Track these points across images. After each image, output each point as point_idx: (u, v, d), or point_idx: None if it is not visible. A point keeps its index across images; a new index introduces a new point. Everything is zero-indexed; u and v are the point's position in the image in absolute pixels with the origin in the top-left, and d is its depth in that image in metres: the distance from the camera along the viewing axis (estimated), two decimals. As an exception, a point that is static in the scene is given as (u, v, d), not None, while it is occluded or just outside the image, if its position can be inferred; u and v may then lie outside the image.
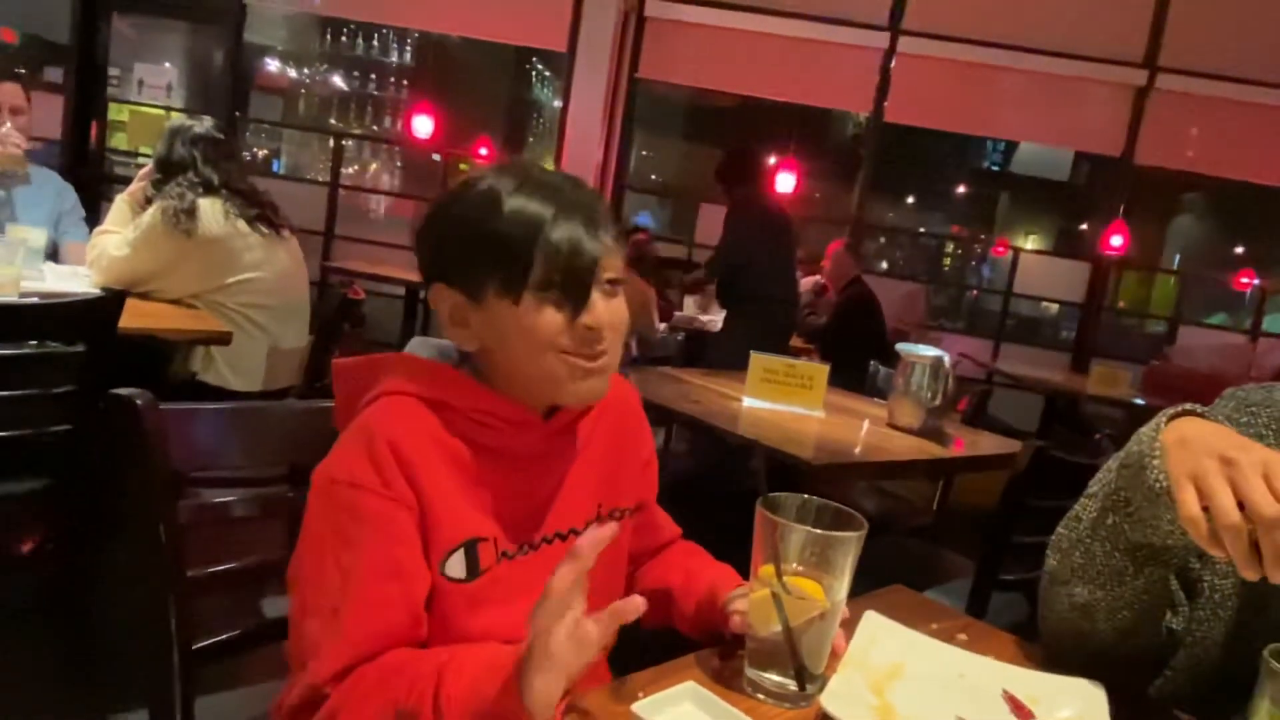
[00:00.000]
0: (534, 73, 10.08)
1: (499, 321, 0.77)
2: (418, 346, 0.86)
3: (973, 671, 0.83)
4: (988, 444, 2.19)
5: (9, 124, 2.52)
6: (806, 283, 4.92)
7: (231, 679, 1.12)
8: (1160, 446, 0.73)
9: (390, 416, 0.75)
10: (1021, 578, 1.63)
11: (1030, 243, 8.78)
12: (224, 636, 1.01)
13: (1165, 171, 5.90)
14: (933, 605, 1.05)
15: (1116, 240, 5.68)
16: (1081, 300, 6.00)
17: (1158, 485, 0.72)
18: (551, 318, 0.75)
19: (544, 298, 0.75)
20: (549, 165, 0.83)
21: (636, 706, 0.66)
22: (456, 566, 0.74)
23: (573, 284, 0.75)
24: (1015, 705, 0.77)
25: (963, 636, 0.92)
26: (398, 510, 0.72)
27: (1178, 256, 8.95)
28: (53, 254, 2.64)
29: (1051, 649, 0.89)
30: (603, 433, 0.88)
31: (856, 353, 3.57)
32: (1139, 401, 4.11)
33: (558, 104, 5.86)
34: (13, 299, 1.87)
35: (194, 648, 0.97)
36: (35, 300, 1.85)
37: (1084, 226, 6.96)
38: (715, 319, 4.92)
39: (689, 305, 4.92)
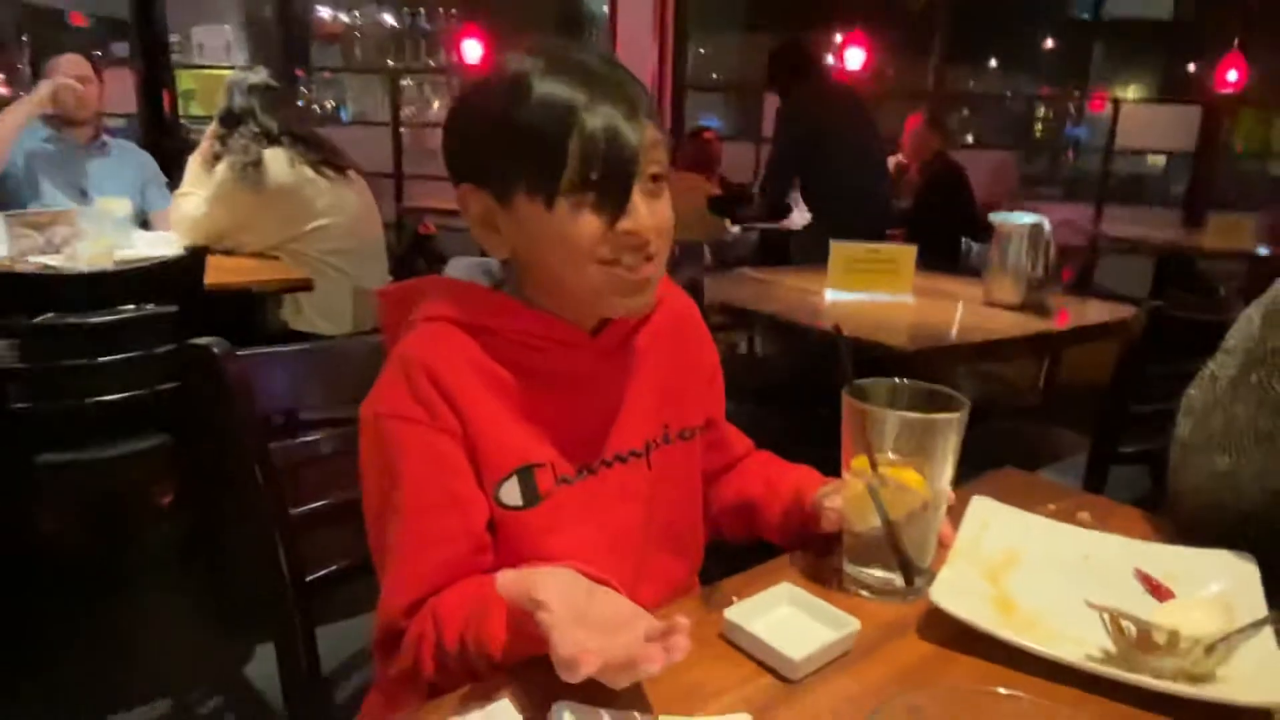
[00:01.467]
0: (581, -19, 9.71)
1: (530, 227, 0.70)
2: (457, 267, 0.82)
3: (1099, 552, 0.76)
4: (1096, 312, 2.05)
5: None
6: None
7: (351, 607, 1.17)
8: None
9: (425, 344, 0.72)
10: (1143, 449, 1.53)
11: (1131, 93, 8.05)
12: (334, 568, 1.05)
13: (1289, -9, 5.25)
14: (1048, 484, 0.98)
15: (1232, 75, 5.13)
16: (1193, 148, 5.49)
17: None
18: (589, 223, 0.68)
19: (579, 200, 0.68)
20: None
21: (729, 612, 0.64)
22: (511, 494, 0.71)
23: (611, 184, 0.68)
24: (1151, 585, 0.71)
25: (1084, 515, 0.85)
26: (445, 440, 0.69)
27: (1305, 88, 8.04)
28: (144, 224, 2.75)
29: (1186, 523, 0.82)
30: (661, 348, 0.83)
31: (945, 233, 3.37)
32: (1263, 251, 3.77)
33: (608, 10, 5.63)
34: (107, 267, 1.95)
35: (307, 580, 1.01)
36: (122, 267, 1.92)
37: (1192, 67, 6.31)
38: (794, 214, 4.74)
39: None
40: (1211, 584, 0.69)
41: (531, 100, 0.67)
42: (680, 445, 0.84)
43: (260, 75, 2.41)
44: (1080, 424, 1.90)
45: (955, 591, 0.66)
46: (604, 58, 0.71)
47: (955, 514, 0.77)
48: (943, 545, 0.72)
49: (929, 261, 2.20)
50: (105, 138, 2.79)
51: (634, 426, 0.79)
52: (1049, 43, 9.61)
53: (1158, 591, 0.70)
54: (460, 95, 0.76)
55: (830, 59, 6.58)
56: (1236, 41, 5.18)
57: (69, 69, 2.60)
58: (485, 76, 0.73)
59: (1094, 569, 0.74)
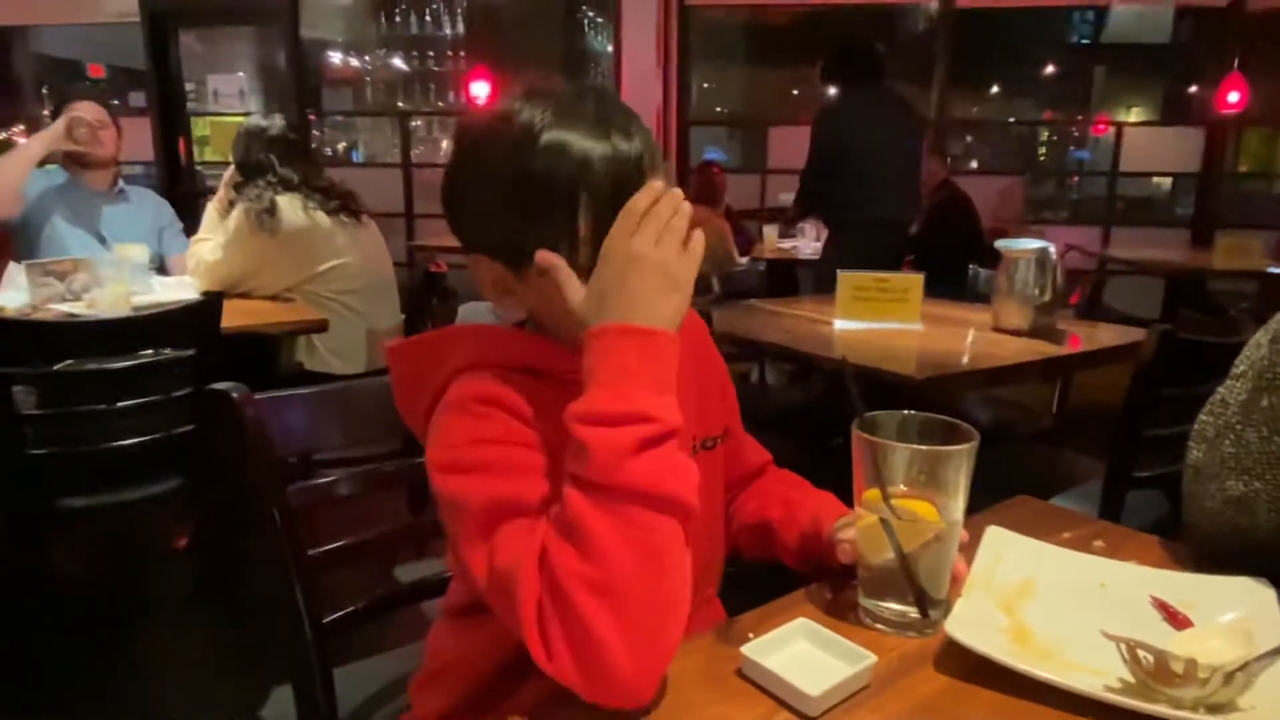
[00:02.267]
0: (585, 21, 9.89)
1: (548, 296, 0.69)
2: (474, 313, 0.81)
3: (1115, 580, 0.76)
4: (1107, 336, 2.04)
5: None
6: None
7: (368, 648, 1.18)
8: None
9: (477, 387, 0.70)
10: (1159, 473, 1.52)
11: (1133, 115, 8.10)
12: (352, 609, 1.05)
13: (1285, 12, 5.30)
14: (1062, 512, 0.98)
15: (1233, 97, 5.16)
16: (1198, 169, 5.51)
17: None
18: None
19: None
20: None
21: (746, 649, 0.64)
22: None
23: None
24: (1168, 612, 0.70)
25: (1099, 543, 0.85)
26: (533, 454, 0.67)
27: (1308, 106, 8.06)
28: (162, 268, 2.80)
29: (1203, 549, 0.82)
30: (681, 366, 0.84)
31: (953, 260, 3.36)
32: (1275, 270, 3.76)
33: (613, 48, 5.73)
34: (125, 313, 1.98)
35: (324, 622, 1.01)
36: (141, 313, 1.95)
37: (1193, 89, 6.35)
38: (800, 244, 4.77)
39: (769, 236, 4.79)
40: (1229, 611, 0.69)
41: (540, 176, 0.66)
42: (704, 456, 0.85)
43: (277, 126, 2.46)
44: (1095, 447, 1.90)
45: (970, 623, 0.66)
46: (605, 107, 0.69)
47: (970, 544, 0.77)
48: (956, 580, 0.72)
49: (938, 289, 2.20)
50: (123, 185, 2.85)
51: None
52: (1050, 68, 9.69)
53: (1175, 619, 0.69)
54: (461, 156, 0.73)
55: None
56: (1236, 63, 5.22)
57: (85, 114, 2.66)
58: (486, 136, 0.70)
59: (1110, 597, 0.74)
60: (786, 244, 4.80)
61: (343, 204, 2.43)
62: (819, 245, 4.69)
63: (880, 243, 3.13)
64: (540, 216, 0.68)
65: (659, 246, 0.64)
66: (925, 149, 4.20)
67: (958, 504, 0.69)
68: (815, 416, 2.30)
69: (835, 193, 3.22)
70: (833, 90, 3.40)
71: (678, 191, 0.66)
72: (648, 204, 0.65)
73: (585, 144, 0.67)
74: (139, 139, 5.77)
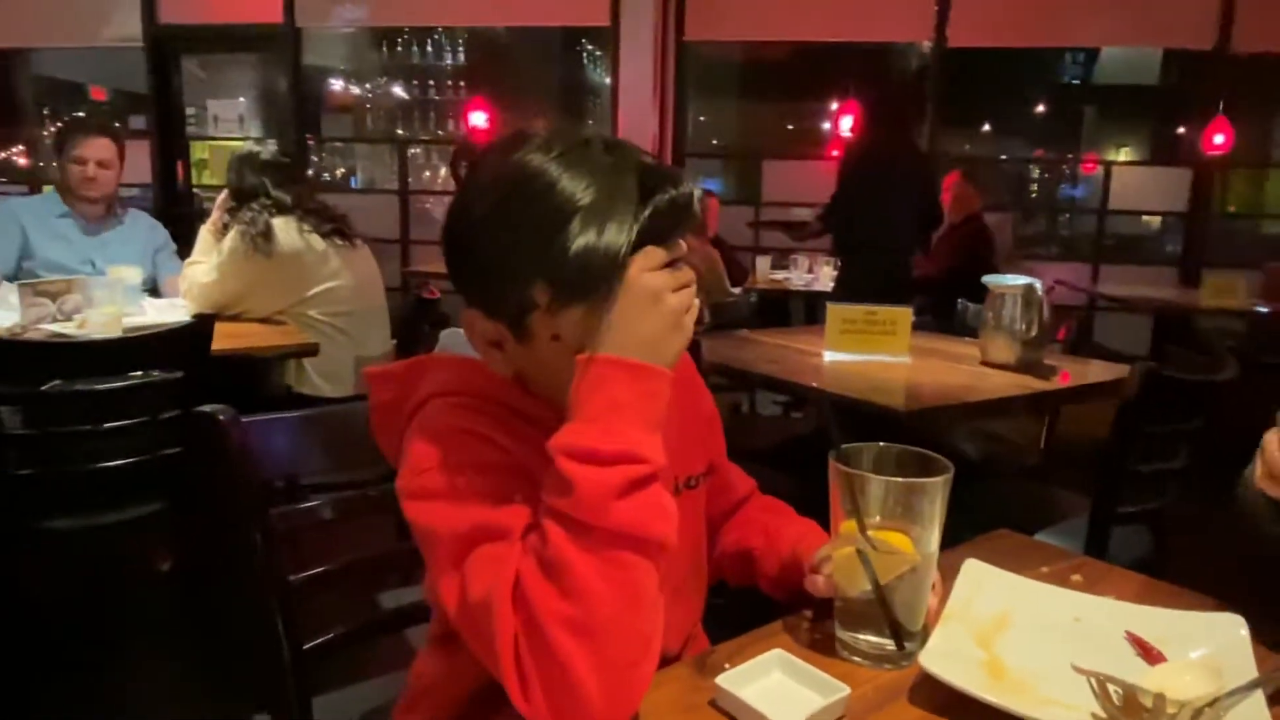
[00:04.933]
0: (584, 54, 10.03)
1: (548, 360, 0.66)
2: (455, 339, 0.81)
3: (1090, 614, 0.77)
4: (1094, 372, 2.06)
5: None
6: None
7: (346, 676, 1.17)
8: None
9: (446, 413, 0.69)
10: (1143, 509, 1.53)
11: (1123, 155, 8.21)
12: (333, 635, 1.04)
13: (1269, 57, 5.40)
14: (1042, 547, 0.99)
15: (1219, 139, 5.25)
16: (1185, 209, 5.59)
17: None
18: None
19: None
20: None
21: (721, 679, 0.64)
22: None
23: None
24: (1142, 647, 0.71)
25: (1077, 578, 0.86)
26: (499, 478, 0.65)
27: (1293, 148, 8.19)
28: (154, 290, 2.81)
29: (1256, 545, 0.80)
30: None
31: (959, 296, 3.35)
32: (1262, 309, 3.80)
33: (610, 81, 5.81)
34: (116, 334, 1.98)
35: (304, 648, 1.00)
36: (131, 334, 1.95)
37: (1181, 130, 6.46)
38: (792, 276, 4.80)
39: (761, 268, 4.82)
40: (1202, 647, 0.69)
41: (558, 249, 0.62)
42: (688, 495, 0.84)
43: (270, 151, 2.49)
44: (1082, 483, 1.90)
45: (946, 656, 0.66)
46: (646, 168, 0.65)
47: (947, 578, 0.77)
48: (929, 614, 0.72)
49: (940, 323, 2.20)
50: (117, 210, 2.87)
51: None
52: (1041, 107, 9.84)
53: (1149, 654, 0.70)
54: (466, 202, 0.68)
55: (826, 126, 6.77)
56: (1221, 105, 5.31)
57: (92, 153, 2.69)
58: (497, 185, 0.66)
59: (1085, 632, 0.74)
60: (779, 275, 4.84)
61: (336, 227, 2.45)
62: (811, 277, 4.74)
63: (890, 278, 3.33)
64: (565, 306, 0.64)
65: (678, 294, 0.64)
66: (960, 179, 4.20)
67: (933, 536, 0.70)
68: (804, 448, 2.30)
69: (853, 223, 3.45)
70: (862, 126, 3.67)
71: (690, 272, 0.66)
72: (681, 254, 0.65)
73: (626, 213, 0.62)
74: (138, 161, 5.80)
